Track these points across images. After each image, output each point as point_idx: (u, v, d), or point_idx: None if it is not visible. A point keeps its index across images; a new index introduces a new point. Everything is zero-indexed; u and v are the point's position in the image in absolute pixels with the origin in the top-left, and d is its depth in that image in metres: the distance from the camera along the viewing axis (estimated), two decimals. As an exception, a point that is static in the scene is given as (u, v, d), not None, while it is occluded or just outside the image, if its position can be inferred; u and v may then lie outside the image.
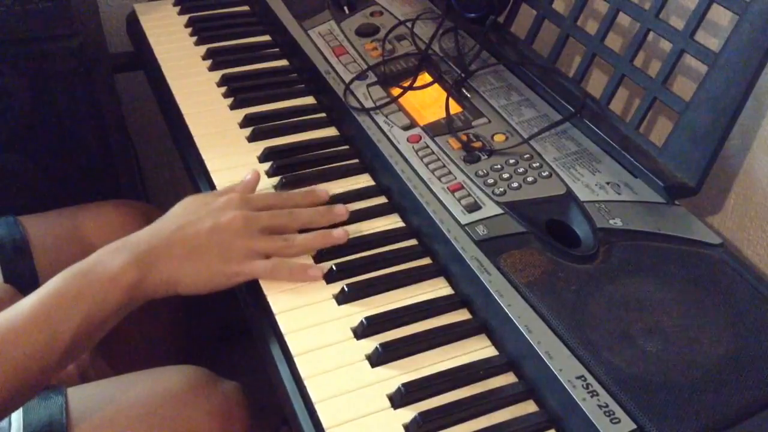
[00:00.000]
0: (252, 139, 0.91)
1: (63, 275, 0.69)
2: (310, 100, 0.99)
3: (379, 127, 0.87)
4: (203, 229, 0.73)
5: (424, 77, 0.93)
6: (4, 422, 0.74)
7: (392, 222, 0.80)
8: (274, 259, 0.73)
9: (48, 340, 0.66)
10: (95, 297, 0.68)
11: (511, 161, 0.80)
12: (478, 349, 0.67)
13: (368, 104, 0.90)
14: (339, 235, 0.76)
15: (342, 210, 0.79)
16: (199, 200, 0.77)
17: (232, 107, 0.97)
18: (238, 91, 0.99)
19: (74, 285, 0.68)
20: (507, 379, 0.65)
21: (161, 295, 0.72)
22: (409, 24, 1.03)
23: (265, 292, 0.72)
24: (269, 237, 0.75)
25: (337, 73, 0.96)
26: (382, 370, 0.65)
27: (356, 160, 0.88)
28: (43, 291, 0.68)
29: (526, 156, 0.81)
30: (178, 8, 1.18)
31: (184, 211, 0.76)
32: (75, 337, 0.67)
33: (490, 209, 0.74)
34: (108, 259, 0.70)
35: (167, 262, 0.71)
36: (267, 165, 0.87)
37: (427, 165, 0.81)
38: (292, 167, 0.86)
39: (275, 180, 0.85)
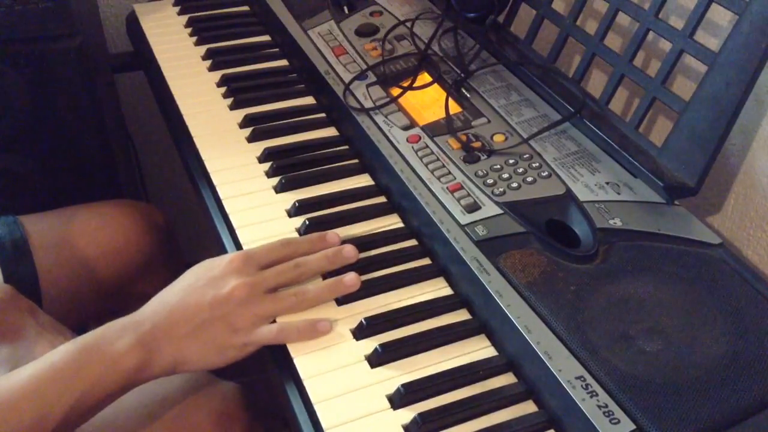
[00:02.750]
0: (252, 139, 0.91)
1: (66, 347, 0.66)
2: (309, 100, 0.99)
3: (379, 127, 0.87)
4: (204, 302, 0.68)
5: (424, 77, 0.93)
6: None
7: (392, 222, 0.80)
8: (280, 324, 0.69)
9: (38, 417, 0.62)
10: (95, 377, 0.64)
11: (511, 161, 0.80)
12: (477, 349, 0.67)
13: (368, 104, 0.90)
14: (350, 282, 0.71)
15: (351, 251, 0.74)
16: (205, 266, 0.71)
17: (232, 107, 0.97)
18: (238, 92, 0.99)
19: (75, 361, 0.65)
20: (507, 379, 0.65)
21: (168, 374, 0.68)
22: (408, 24, 1.02)
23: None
24: (276, 297, 0.70)
25: (336, 73, 0.96)
26: (381, 371, 0.65)
27: (356, 160, 0.88)
28: (43, 363, 0.65)
29: (525, 156, 0.81)
30: (178, 8, 1.18)
31: (187, 282, 0.70)
32: (67, 417, 0.64)
33: (490, 209, 0.74)
34: (114, 338, 0.66)
35: (171, 342, 0.67)
36: (267, 165, 0.87)
37: (426, 165, 0.81)
38: (291, 167, 0.86)
39: (275, 180, 0.85)
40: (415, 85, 0.92)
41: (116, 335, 0.66)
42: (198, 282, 0.70)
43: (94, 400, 0.65)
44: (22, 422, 0.62)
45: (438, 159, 0.81)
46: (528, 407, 0.63)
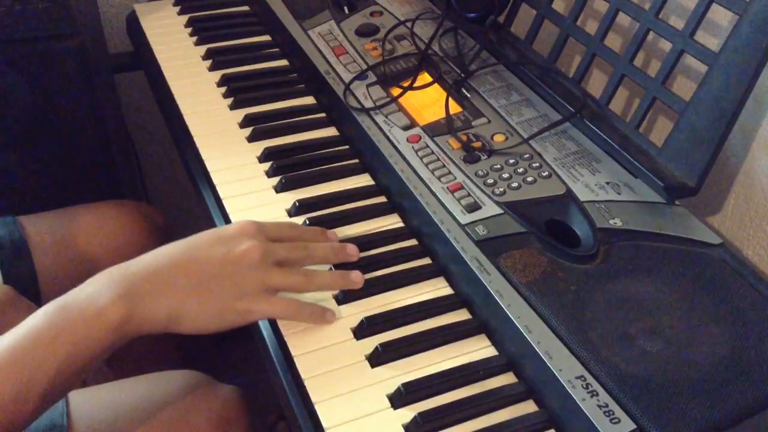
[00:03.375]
0: (252, 139, 0.91)
1: (44, 310, 0.61)
2: (310, 100, 0.99)
3: (379, 127, 0.87)
4: (215, 257, 0.64)
5: (424, 77, 0.93)
6: None
7: (392, 222, 0.80)
8: (294, 300, 0.68)
9: (21, 388, 0.58)
10: (76, 338, 0.60)
11: (511, 161, 0.80)
12: (478, 349, 0.67)
13: (368, 104, 0.90)
14: (356, 279, 0.71)
15: (354, 250, 0.73)
16: (212, 231, 0.69)
17: (232, 107, 0.97)
18: (238, 91, 0.99)
19: (53, 323, 0.60)
20: (507, 379, 0.65)
21: (158, 332, 0.64)
22: (409, 24, 1.02)
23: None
24: (286, 271, 0.68)
25: (336, 73, 0.96)
26: (382, 370, 0.65)
27: (356, 160, 0.88)
28: (21, 330, 0.60)
29: (526, 156, 0.81)
30: (178, 8, 1.18)
31: (193, 239, 0.67)
32: (52, 384, 0.59)
33: (490, 209, 0.74)
34: (95, 291, 0.62)
35: (168, 295, 0.62)
36: (267, 165, 0.87)
37: (426, 165, 0.81)
38: (291, 167, 0.86)
39: (275, 180, 0.85)
40: (415, 85, 0.92)
41: (98, 288, 0.62)
42: (206, 240, 0.66)
43: (79, 363, 0.61)
44: (3, 394, 0.58)
45: (438, 159, 0.81)
46: (528, 407, 0.63)
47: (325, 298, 0.72)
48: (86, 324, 0.60)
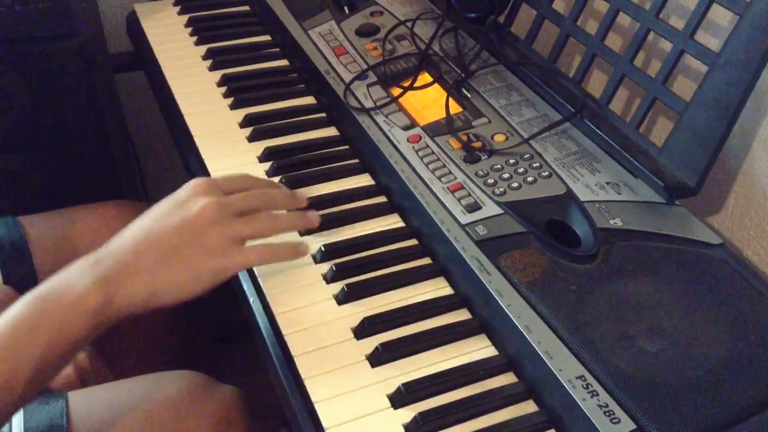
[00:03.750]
0: (252, 139, 0.91)
1: (23, 300, 0.62)
2: (310, 100, 0.99)
3: (379, 127, 0.87)
4: (171, 226, 0.64)
5: (424, 77, 0.93)
6: (5, 426, 0.73)
7: (392, 222, 0.80)
8: (264, 244, 0.67)
9: (5, 377, 0.59)
10: (56, 325, 0.60)
11: (511, 161, 0.80)
12: (478, 349, 0.67)
13: (368, 104, 0.90)
14: (313, 217, 0.74)
15: (303, 195, 0.76)
16: (166, 199, 0.68)
17: (232, 107, 0.97)
18: (238, 91, 0.99)
19: (33, 312, 0.61)
20: (507, 379, 0.65)
21: (141, 310, 0.64)
22: (409, 24, 1.03)
23: (265, 292, 0.72)
24: (248, 219, 0.68)
25: (337, 73, 0.96)
26: (382, 370, 0.65)
27: (356, 160, 0.88)
28: (2, 321, 0.61)
29: (526, 156, 0.81)
30: (178, 8, 1.18)
31: (150, 213, 0.67)
32: (36, 371, 0.60)
33: (490, 209, 0.74)
34: (71, 279, 0.62)
35: (140, 274, 0.63)
36: (267, 165, 0.87)
37: (427, 165, 0.81)
38: (292, 167, 0.86)
39: (275, 180, 0.85)
40: (415, 85, 0.92)
41: (74, 276, 0.62)
42: (163, 210, 0.66)
43: (62, 349, 0.61)
44: None
45: (438, 159, 0.81)
46: (528, 407, 0.63)
47: (327, 299, 0.71)
48: (65, 312, 0.61)
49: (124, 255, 0.64)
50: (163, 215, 0.66)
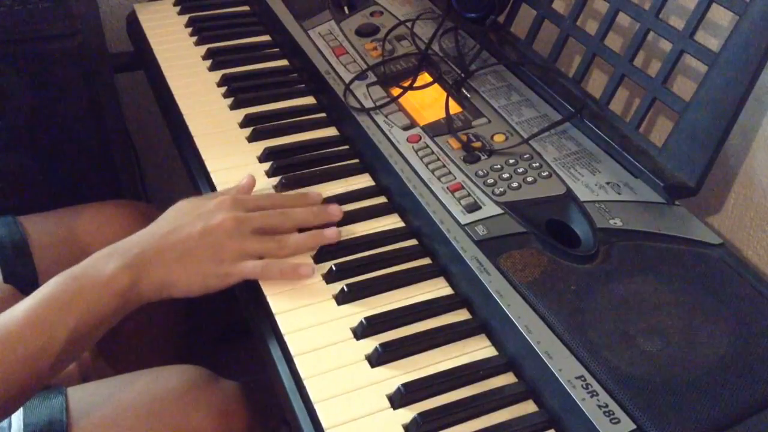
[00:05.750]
0: (252, 139, 0.91)
1: (56, 280, 0.70)
2: (310, 100, 0.99)
3: (379, 127, 0.87)
4: (194, 231, 0.73)
5: (424, 77, 0.93)
6: (5, 422, 0.74)
7: (392, 222, 0.80)
8: (265, 259, 0.73)
9: (43, 344, 0.66)
10: (88, 302, 0.68)
11: (511, 161, 0.80)
12: (478, 349, 0.67)
13: (368, 104, 0.90)
14: (331, 234, 0.76)
15: (336, 210, 0.78)
16: (192, 203, 0.77)
17: (232, 107, 0.97)
18: (238, 91, 0.99)
19: (68, 289, 0.68)
20: (507, 379, 0.65)
21: (155, 298, 0.72)
22: (409, 24, 1.02)
23: (265, 292, 0.72)
24: (261, 238, 0.75)
25: (337, 73, 0.96)
26: (382, 370, 0.65)
27: (356, 160, 0.88)
28: (38, 295, 0.68)
29: (525, 156, 0.81)
30: (178, 8, 1.18)
31: (177, 215, 0.76)
32: (69, 341, 0.67)
33: (490, 209, 0.74)
34: (101, 264, 0.70)
35: (159, 266, 0.71)
36: (267, 165, 0.87)
37: (427, 165, 0.81)
38: (292, 167, 0.86)
39: (275, 180, 0.85)
40: (415, 85, 0.92)
41: (103, 261, 0.70)
42: (187, 215, 0.75)
43: (91, 325, 0.68)
44: (28, 350, 0.65)
45: (438, 159, 0.81)
46: (528, 407, 0.63)
47: (327, 299, 0.72)
48: (97, 289, 0.69)
49: (147, 247, 0.72)
50: (188, 222, 0.74)
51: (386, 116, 0.88)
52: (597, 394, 0.58)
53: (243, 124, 0.94)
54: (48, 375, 0.67)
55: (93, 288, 0.69)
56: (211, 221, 0.74)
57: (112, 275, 0.69)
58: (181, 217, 0.75)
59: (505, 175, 0.78)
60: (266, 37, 1.11)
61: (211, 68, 1.04)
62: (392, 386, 0.63)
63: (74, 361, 0.71)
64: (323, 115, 0.96)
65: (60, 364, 0.68)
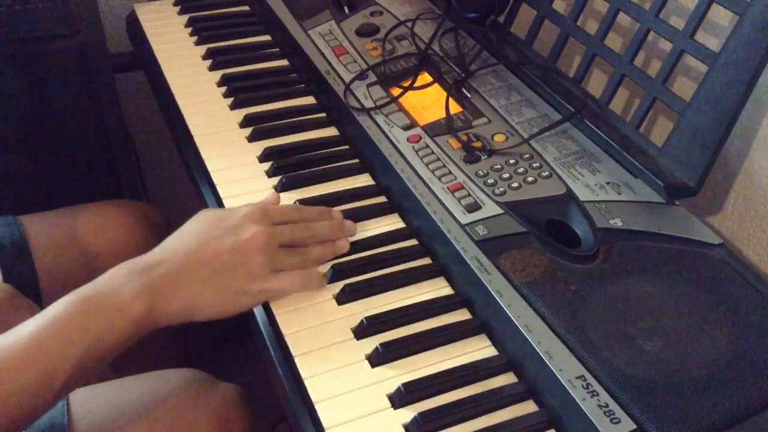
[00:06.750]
0: (252, 139, 0.91)
1: (67, 300, 0.64)
2: (310, 100, 0.99)
3: (379, 127, 0.87)
4: (224, 247, 0.68)
5: (424, 77, 0.93)
6: None
7: (392, 222, 0.80)
8: (300, 272, 0.71)
9: (44, 376, 0.61)
10: (98, 328, 0.63)
11: (511, 161, 0.80)
12: (478, 349, 0.67)
13: (368, 104, 0.90)
14: (343, 244, 0.75)
15: (352, 226, 0.78)
16: (216, 214, 0.73)
17: (232, 107, 0.97)
18: (238, 91, 0.99)
19: (78, 313, 0.63)
20: (507, 379, 0.65)
21: (176, 322, 0.67)
22: (409, 24, 1.03)
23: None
24: (289, 252, 0.72)
25: (337, 73, 0.96)
26: (382, 370, 0.65)
27: (356, 160, 0.88)
28: (45, 317, 0.63)
29: (526, 156, 0.81)
30: (178, 8, 1.18)
31: (201, 228, 0.70)
32: (72, 373, 0.62)
33: (490, 209, 0.74)
34: (117, 284, 0.65)
35: (186, 287, 0.66)
36: (267, 165, 0.87)
37: (427, 165, 0.81)
38: (292, 167, 0.86)
39: (275, 180, 0.85)
40: (415, 85, 0.92)
41: (121, 281, 0.65)
42: (214, 229, 0.69)
43: (101, 352, 0.63)
44: (30, 379, 0.61)
45: (438, 159, 0.81)
46: (528, 407, 0.63)
47: (327, 299, 0.72)
48: (109, 316, 0.63)
49: (174, 266, 0.66)
50: (215, 236, 0.69)
51: (386, 116, 0.88)
52: (597, 394, 0.58)
53: (243, 124, 0.94)
54: (51, 402, 0.63)
55: (105, 313, 0.63)
56: (242, 235, 0.69)
57: (129, 299, 0.64)
58: (207, 231, 0.69)
59: (506, 175, 0.78)
60: (266, 37, 1.12)
61: (211, 68, 1.04)
62: (392, 386, 0.63)
63: (81, 386, 0.67)
64: (323, 115, 0.96)
65: (64, 390, 0.63)
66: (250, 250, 0.68)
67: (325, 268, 0.74)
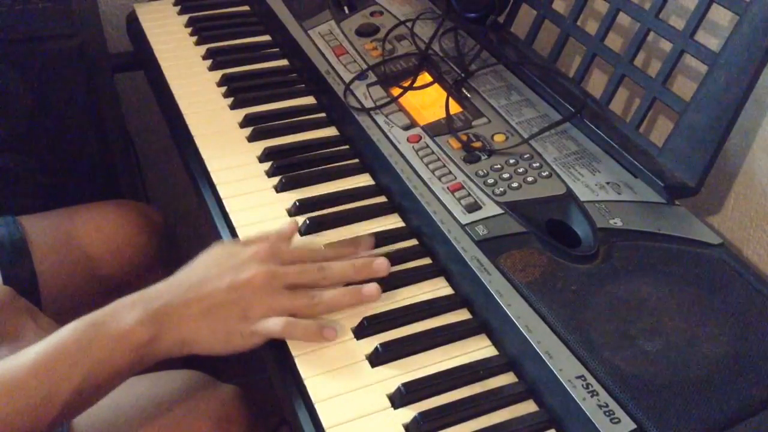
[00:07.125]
0: (252, 139, 0.91)
1: (74, 325, 0.65)
2: (310, 100, 0.99)
3: (379, 127, 0.87)
4: (222, 286, 0.67)
5: (424, 77, 0.93)
6: None
7: (392, 222, 0.80)
8: (287, 318, 0.67)
9: (45, 397, 0.62)
10: (100, 354, 0.64)
11: (511, 161, 0.80)
12: (478, 349, 0.67)
13: (368, 104, 0.90)
14: (370, 292, 0.70)
15: (382, 265, 0.71)
16: (227, 250, 0.71)
17: (232, 107, 0.97)
18: (238, 91, 0.99)
19: (81, 338, 0.64)
20: (507, 379, 0.65)
21: (175, 355, 0.67)
22: (409, 24, 1.02)
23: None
24: (293, 294, 0.69)
25: (337, 73, 0.96)
26: (382, 370, 0.65)
27: (356, 160, 0.88)
28: (51, 341, 0.64)
29: (526, 156, 0.81)
30: (178, 8, 1.18)
31: (208, 263, 0.70)
32: (74, 398, 0.63)
33: (490, 209, 0.74)
34: (122, 314, 0.65)
35: (183, 321, 0.66)
36: (267, 165, 0.87)
37: (427, 165, 0.81)
38: (292, 167, 0.86)
39: (275, 180, 0.85)
40: (415, 85, 0.92)
41: (125, 311, 0.65)
42: (219, 266, 0.69)
43: (102, 379, 0.64)
44: (30, 401, 0.61)
45: (438, 159, 0.81)
46: (528, 407, 0.63)
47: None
48: (112, 342, 0.64)
49: (173, 299, 0.67)
50: (216, 274, 0.68)
51: (386, 116, 0.88)
52: (597, 394, 0.58)
53: (243, 124, 0.94)
54: (51, 426, 0.63)
55: (107, 339, 0.64)
56: (240, 275, 0.68)
57: (130, 328, 0.64)
58: (212, 266, 0.69)
59: (506, 175, 0.78)
60: (266, 37, 1.11)
61: (211, 68, 1.04)
62: (393, 386, 0.63)
63: (82, 412, 0.67)
64: (323, 115, 0.96)
65: (65, 415, 0.64)
66: (247, 291, 0.67)
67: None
